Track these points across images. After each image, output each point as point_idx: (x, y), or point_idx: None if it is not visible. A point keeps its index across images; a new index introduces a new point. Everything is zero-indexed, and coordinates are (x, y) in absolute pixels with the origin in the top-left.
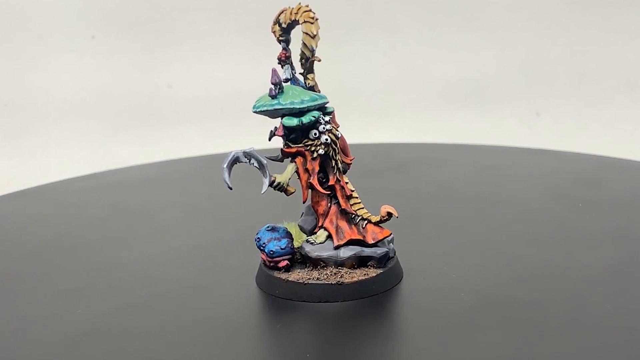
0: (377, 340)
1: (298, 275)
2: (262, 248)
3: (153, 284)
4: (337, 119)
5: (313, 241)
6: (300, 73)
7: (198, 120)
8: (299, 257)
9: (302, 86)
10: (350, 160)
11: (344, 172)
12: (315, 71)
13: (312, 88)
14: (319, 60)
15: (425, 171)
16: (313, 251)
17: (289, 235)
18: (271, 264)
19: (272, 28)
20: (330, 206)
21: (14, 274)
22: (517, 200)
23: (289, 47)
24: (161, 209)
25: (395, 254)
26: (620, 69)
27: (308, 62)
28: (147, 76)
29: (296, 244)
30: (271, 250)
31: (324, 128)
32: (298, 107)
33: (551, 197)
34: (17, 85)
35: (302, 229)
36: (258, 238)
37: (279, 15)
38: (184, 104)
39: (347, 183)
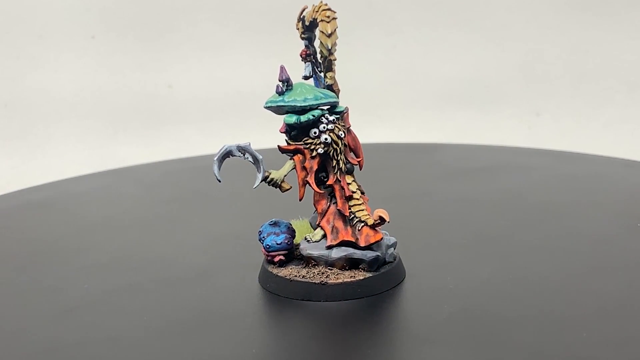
0: (328, 345)
1: (288, 271)
2: (261, 242)
3: (165, 267)
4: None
5: (310, 239)
6: (320, 71)
7: (198, 120)
8: (298, 254)
9: (323, 84)
10: (357, 162)
11: (350, 173)
12: (335, 69)
13: (331, 87)
14: (335, 59)
15: (504, 177)
16: (305, 249)
17: (289, 231)
18: (269, 258)
19: (296, 25)
20: (330, 205)
21: (57, 246)
22: (576, 215)
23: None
24: (221, 195)
25: (395, 260)
26: (620, 69)
27: (326, 61)
28: (147, 76)
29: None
30: (267, 245)
31: (324, 127)
32: (299, 105)
33: (618, 215)
34: (17, 85)
35: (312, 225)
36: (260, 231)
37: (302, 13)
38: (184, 104)
39: (349, 184)
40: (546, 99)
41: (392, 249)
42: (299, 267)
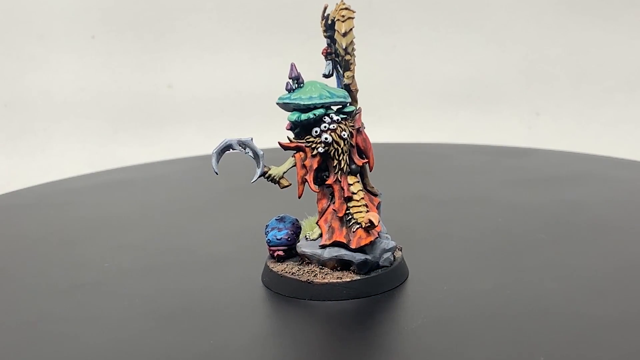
0: (286, 344)
1: (282, 267)
2: (266, 236)
3: (185, 254)
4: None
5: (308, 237)
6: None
7: (198, 120)
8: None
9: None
10: (362, 163)
11: (354, 173)
12: (353, 69)
13: (348, 86)
14: (350, 59)
15: (575, 187)
16: (301, 246)
17: (293, 228)
18: (270, 253)
19: (320, 23)
20: (329, 205)
21: (105, 224)
22: (629, 236)
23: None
24: (267, 187)
25: (391, 265)
26: (620, 69)
27: (342, 60)
28: (147, 76)
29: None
30: (268, 240)
31: (325, 127)
32: (303, 103)
33: None
34: (17, 85)
35: None
36: (266, 225)
37: (325, 11)
38: (184, 104)
39: (351, 184)
40: (546, 99)
41: (390, 253)
42: (295, 263)
